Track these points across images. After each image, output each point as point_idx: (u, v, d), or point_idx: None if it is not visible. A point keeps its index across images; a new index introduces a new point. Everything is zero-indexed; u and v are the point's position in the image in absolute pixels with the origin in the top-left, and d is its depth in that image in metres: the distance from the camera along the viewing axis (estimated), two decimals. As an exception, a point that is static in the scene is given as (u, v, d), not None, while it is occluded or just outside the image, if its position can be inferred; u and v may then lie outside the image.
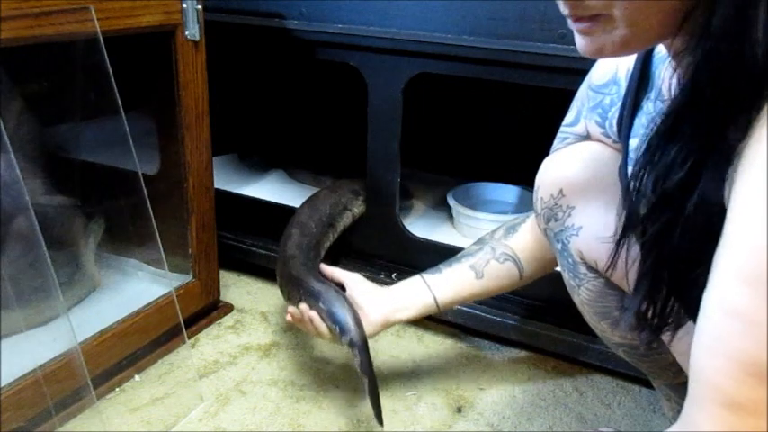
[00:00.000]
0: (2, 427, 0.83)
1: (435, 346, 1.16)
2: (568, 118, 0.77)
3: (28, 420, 0.87)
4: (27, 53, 0.86)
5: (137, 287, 1.17)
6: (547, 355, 1.13)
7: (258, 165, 1.66)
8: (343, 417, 0.97)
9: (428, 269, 0.92)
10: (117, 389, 1.01)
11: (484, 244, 0.90)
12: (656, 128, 0.49)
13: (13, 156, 0.77)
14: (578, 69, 0.93)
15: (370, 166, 1.18)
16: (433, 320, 1.19)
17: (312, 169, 1.58)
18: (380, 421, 0.87)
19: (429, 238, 1.23)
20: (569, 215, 0.72)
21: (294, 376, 1.06)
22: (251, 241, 1.34)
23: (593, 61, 0.81)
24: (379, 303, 0.90)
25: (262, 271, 1.36)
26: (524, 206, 1.38)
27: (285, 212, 1.39)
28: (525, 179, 1.38)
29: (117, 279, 1.18)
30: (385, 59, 1.09)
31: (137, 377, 1.04)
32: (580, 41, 0.50)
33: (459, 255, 0.91)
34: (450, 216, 1.38)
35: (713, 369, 0.41)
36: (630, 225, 0.55)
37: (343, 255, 1.27)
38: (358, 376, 0.90)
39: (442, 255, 1.21)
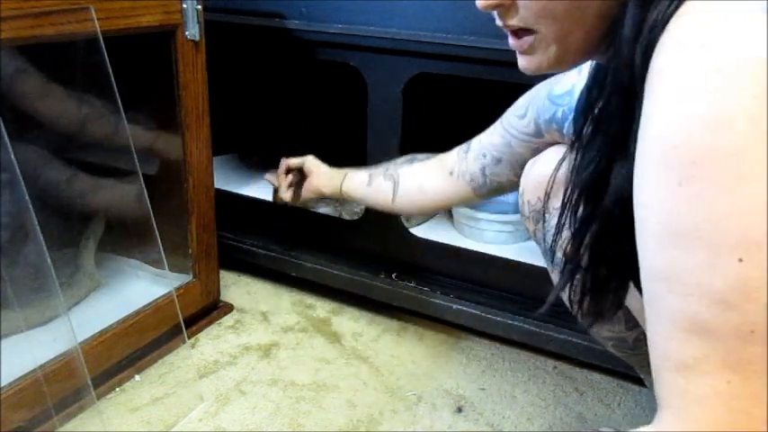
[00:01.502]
0: (2, 427, 0.83)
1: (435, 345, 1.16)
2: (518, 110, 0.80)
3: (28, 420, 0.87)
4: (27, 53, 0.86)
5: (137, 287, 1.17)
6: (547, 355, 1.13)
7: (258, 165, 1.66)
8: (343, 417, 0.97)
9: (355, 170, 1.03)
10: (117, 389, 1.01)
11: (389, 164, 0.99)
12: (577, 129, 0.56)
13: (13, 156, 0.77)
14: (578, 69, 0.93)
15: (370, 165, 1.17)
16: (433, 320, 1.19)
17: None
18: None
19: (429, 237, 1.23)
20: (554, 216, 0.72)
21: (294, 376, 1.06)
22: (251, 241, 1.34)
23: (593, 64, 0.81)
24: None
25: (262, 271, 1.36)
26: (524, 206, 1.38)
27: (285, 212, 1.39)
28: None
29: (117, 279, 1.18)
30: (385, 59, 1.09)
31: (137, 377, 1.04)
32: (521, 61, 0.54)
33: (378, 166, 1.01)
34: (451, 216, 1.38)
35: (659, 337, 0.40)
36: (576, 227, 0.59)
37: (343, 254, 1.27)
38: None
39: (442, 255, 1.22)
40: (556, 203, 0.72)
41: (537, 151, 0.78)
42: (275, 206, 1.24)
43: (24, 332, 1.01)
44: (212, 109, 1.08)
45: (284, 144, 1.67)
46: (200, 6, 1.00)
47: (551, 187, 0.71)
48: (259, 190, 1.50)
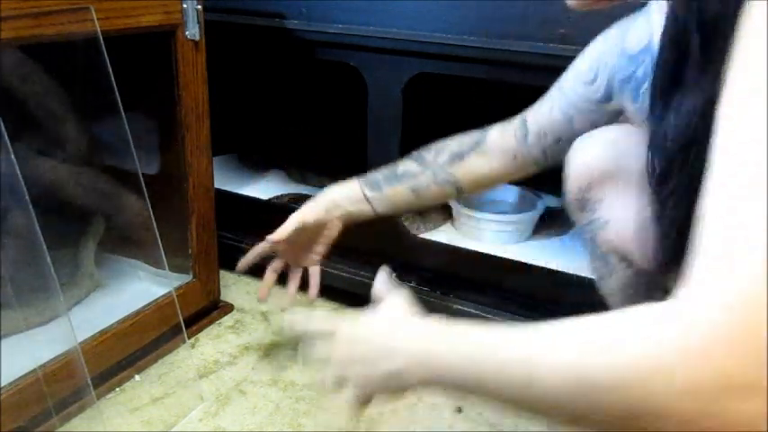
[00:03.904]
0: (2, 427, 0.83)
1: (435, 346, 1.16)
2: (585, 75, 0.74)
3: (28, 420, 0.87)
4: (27, 53, 0.86)
5: (137, 287, 1.17)
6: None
7: (258, 165, 1.66)
8: (343, 417, 0.97)
9: (367, 180, 0.92)
10: (117, 389, 1.01)
11: (426, 167, 0.89)
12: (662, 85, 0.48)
13: (13, 156, 0.77)
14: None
15: (371, 166, 1.17)
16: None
17: (312, 169, 1.58)
18: None
19: (429, 237, 1.23)
20: (598, 208, 0.71)
21: (294, 376, 1.06)
22: (251, 241, 1.33)
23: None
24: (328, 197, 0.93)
25: (262, 271, 1.35)
26: (524, 206, 1.39)
27: (285, 212, 1.39)
28: (525, 179, 1.38)
29: (117, 279, 1.18)
30: (385, 59, 1.09)
31: (137, 377, 1.04)
32: None
33: (400, 171, 0.91)
34: (451, 215, 1.38)
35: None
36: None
37: (343, 254, 1.27)
38: None
39: (442, 255, 1.22)
40: (599, 195, 0.71)
41: (594, 128, 0.73)
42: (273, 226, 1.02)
43: (24, 332, 1.01)
44: (212, 109, 1.08)
45: (284, 144, 1.68)
46: (200, 6, 1.00)
47: (595, 178, 0.69)
48: (259, 190, 1.51)
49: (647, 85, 0.65)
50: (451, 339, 0.47)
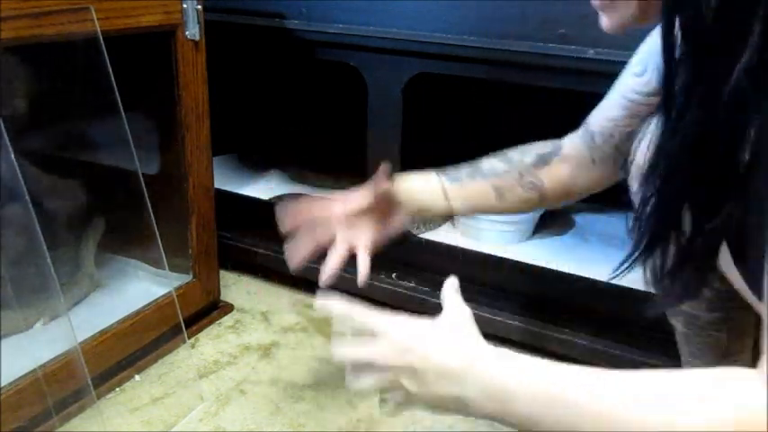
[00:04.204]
0: (2, 427, 0.83)
1: (435, 346, 1.16)
2: (634, 67, 0.73)
3: (28, 420, 0.87)
4: (27, 53, 0.86)
5: (137, 287, 1.17)
6: (547, 355, 1.12)
7: (258, 165, 1.66)
8: (343, 417, 0.97)
9: (446, 172, 0.83)
10: (117, 389, 1.01)
11: (511, 166, 0.83)
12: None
13: (13, 156, 0.77)
14: (579, 69, 0.93)
15: (370, 166, 1.18)
16: (433, 320, 1.19)
17: (312, 169, 1.58)
18: None
19: (429, 237, 1.23)
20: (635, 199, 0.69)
21: (294, 376, 1.06)
22: (251, 241, 1.34)
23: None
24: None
25: (262, 271, 1.36)
26: (524, 206, 1.38)
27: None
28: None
29: (117, 279, 1.18)
30: (385, 59, 1.08)
31: (137, 377, 1.04)
32: (602, 19, 0.50)
33: (482, 167, 0.84)
34: (450, 216, 1.38)
35: None
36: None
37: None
38: None
39: (442, 255, 1.22)
40: (634, 186, 0.67)
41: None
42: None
43: (24, 332, 1.01)
44: (212, 109, 1.08)
45: (284, 144, 1.68)
46: (200, 6, 1.00)
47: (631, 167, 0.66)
48: (259, 190, 1.51)
49: None
50: (530, 383, 0.48)
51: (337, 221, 0.82)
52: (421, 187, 0.83)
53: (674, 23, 0.45)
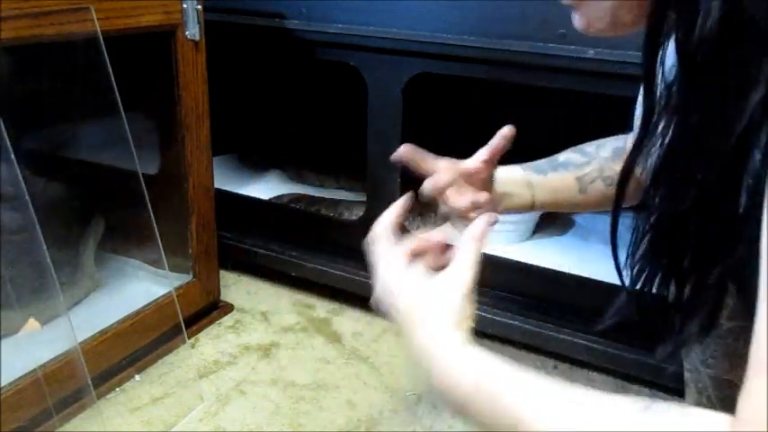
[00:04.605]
0: (2, 427, 0.83)
1: (435, 346, 1.16)
2: None
3: (28, 420, 0.87)
4: (27, 53, 0.86)
5: (137, 287, 1.17)
6: (547, 355, 1.13)
7: (258, 165, 1.66)
8: (343, 417, 0.97)
9: (528, 164, 0.81)
10: (117, 389, 1.01)
11: (590, 158, 0.80)
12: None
13: (13, 156, 0.77)
14: (578, 69, 0.93)
15: (370, 166, 1.18)
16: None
17: (312, 169, 1.58)
18: None
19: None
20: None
21: (294, 376, 1.06)
22: (251, 241, 1.34)
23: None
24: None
25: (262, 271, 1.36)
26: (524, 206, 1.38)
27: (285, 212, 1.39)
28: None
29: (117, 279, 1.18)
30: (385, 59, 1.08)
31: (137, 377, 1.04)
32: (573, 17, 0.49)
33: (562, 159, 0.81)
34: (451, 216, 1.38)
35: None
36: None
37: (343, 254, 1.27)
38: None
39: (442, 255, 1.22)
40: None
41: None
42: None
43: (24, 332, 1.01)
44: (212, 109, 1.08)
45: (284, 144, 1.68)
46: (200, 6, 1.00)
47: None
48: (259, 190, 1.51)
49: None
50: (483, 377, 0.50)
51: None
52: (505, 176, 0.78)
53: (658, 39, 0.43)
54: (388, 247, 0.63)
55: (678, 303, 0.49)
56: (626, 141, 0.81)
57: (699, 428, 0.38)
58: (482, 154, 0.75)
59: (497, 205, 0.78)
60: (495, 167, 0.75)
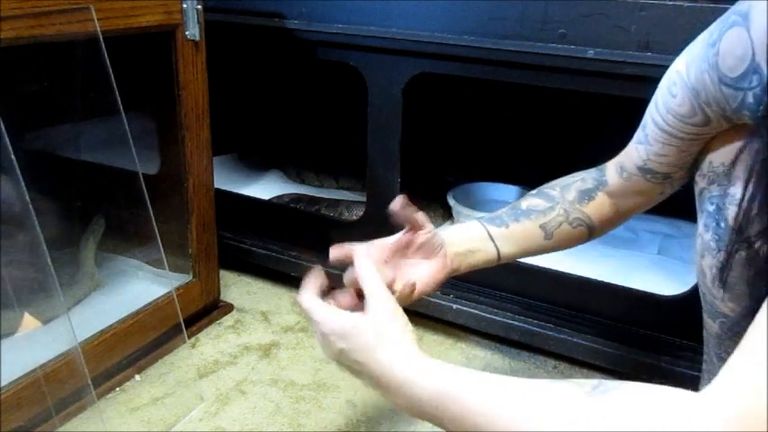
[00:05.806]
0: (2, 427, 0.83)
1: (435, 346, 1.16)
2: (681, 109, 0.67)
3: (28, 420, 0.87)
4: (27, 53, 0.86)
5: (137, 287, 1.17)
6: (547, 355, 1.13)
7: (258, 165, 1.67)
8: (343, 417, 0.97)
9: (489, 216, 0.81)
10: (117, 389, 1.01)
11: (554, 203, 0.80)
12: None
13: (13, 156, 0.77)
14: (578, 69, 0.93)
15: (370, 166, 1.18)
16: (433, 320, 1.19)
17: (312, 169, 1.58)
18: None
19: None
20: (734, 184, 0.66)
21: (294, 376, 1.06)
22: (251, 241, 1.34)
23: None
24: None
25: (262, 271, 1.36)
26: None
27: (285, 212, 1.39)
28: (525, 179, 1.38)
29: (117, 279, 1.18)
30: (385, 59, 1.08)
31: (137, 377, 1.04)
32: None
33: (524, 207, 0.81)
34: (451, 216, 1.38)
35: None
36: None
37: (344, 255, 1.27)
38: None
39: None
40: (740, 173, 0.63)
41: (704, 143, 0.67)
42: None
43: (24, 331, 1.01)
44: (212, 109, 1.08)
45: (284, 144, 1.68)
46: (200, 6, 1.00)
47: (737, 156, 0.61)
48: (259, 190, 1.51)
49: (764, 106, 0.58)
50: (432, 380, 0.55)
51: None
52: (464, 234, 0.79)
53: None
54: (317, 302, 0.68)
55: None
56: (591, 182, 0.81)
57: (654, 401, 0.41)
58: (402, 232, 0.77)
59: (457, 268, 0.79)
60: (431, 232, 0.76)
